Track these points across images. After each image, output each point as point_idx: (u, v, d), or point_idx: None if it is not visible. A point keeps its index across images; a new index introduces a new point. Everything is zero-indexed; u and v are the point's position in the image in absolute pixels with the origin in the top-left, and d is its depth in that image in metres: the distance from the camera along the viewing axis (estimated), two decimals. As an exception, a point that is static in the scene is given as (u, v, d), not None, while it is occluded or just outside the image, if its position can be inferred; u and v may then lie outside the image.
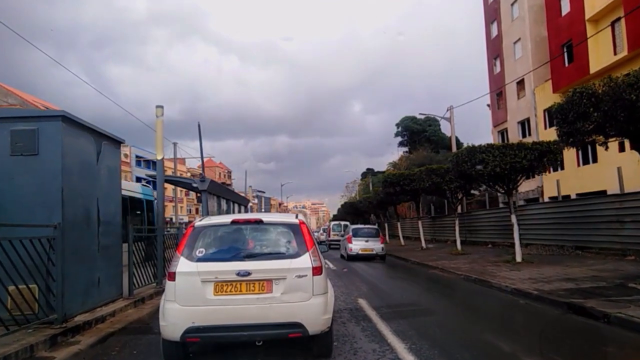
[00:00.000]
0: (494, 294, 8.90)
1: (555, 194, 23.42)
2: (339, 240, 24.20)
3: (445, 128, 60.06)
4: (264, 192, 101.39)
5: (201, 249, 4.39)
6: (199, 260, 4.28)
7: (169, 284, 4.24)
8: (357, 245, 18.28)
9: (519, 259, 12.63)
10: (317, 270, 4.32)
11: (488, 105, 51.79)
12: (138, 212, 13.66)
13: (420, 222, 21.65)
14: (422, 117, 65.85)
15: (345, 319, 6.57)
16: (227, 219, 4.79)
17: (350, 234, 19.23)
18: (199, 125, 14.13)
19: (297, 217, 4.91)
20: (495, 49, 34.18)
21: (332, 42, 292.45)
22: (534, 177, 12.61)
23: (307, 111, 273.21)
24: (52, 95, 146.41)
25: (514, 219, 12.84)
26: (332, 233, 30.12)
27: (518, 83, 30.71)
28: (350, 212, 45.81)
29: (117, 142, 7.76)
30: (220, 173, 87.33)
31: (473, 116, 68.68)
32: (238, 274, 4.14)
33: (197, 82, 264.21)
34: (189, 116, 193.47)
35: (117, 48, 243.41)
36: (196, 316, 4.08)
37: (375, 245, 18.37)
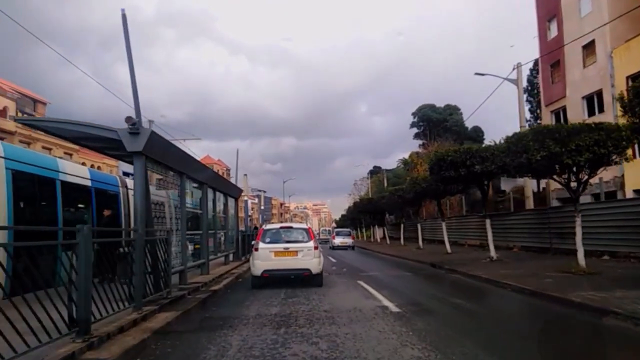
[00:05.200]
0: None
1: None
2: (327, 239, 40.07)
3: (469, 119, 53.34)
4: (264, 192, 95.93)
5: (268, 238, 10.86)
6: (267, 243, 10.70)
7: (254, 253, 10.69)
8: (338, 240, 32.28)
9: None
10: (316, 248, 10.70)
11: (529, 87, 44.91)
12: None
13: (488, 222, 14.83)
14: (442, 106, 59.46)
15: None
16: (277, 225, 12.47)
17: (334, 234, 34.95)
18: (123, 15, 7.39)
19: (307, 224, 12.80)
20: (549, 7, 27.32)
21: (340, 44, 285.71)
22: None
23: (314, 112, 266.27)
24: (58, 96, 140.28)
25: None
26: (321, 235, 52.10)
27: (585, 47, 24.04)
28: (365, 211, 38.96)
29: None
30: (218, 170, 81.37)
31: (498, 106, 62.16)
32: (284, 249, 10.55)
33: (204, 84, 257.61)
34: (196, 118, 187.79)
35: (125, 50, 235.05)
36: (267, 265, 10.37)
37: (348, 241, 32.39)
